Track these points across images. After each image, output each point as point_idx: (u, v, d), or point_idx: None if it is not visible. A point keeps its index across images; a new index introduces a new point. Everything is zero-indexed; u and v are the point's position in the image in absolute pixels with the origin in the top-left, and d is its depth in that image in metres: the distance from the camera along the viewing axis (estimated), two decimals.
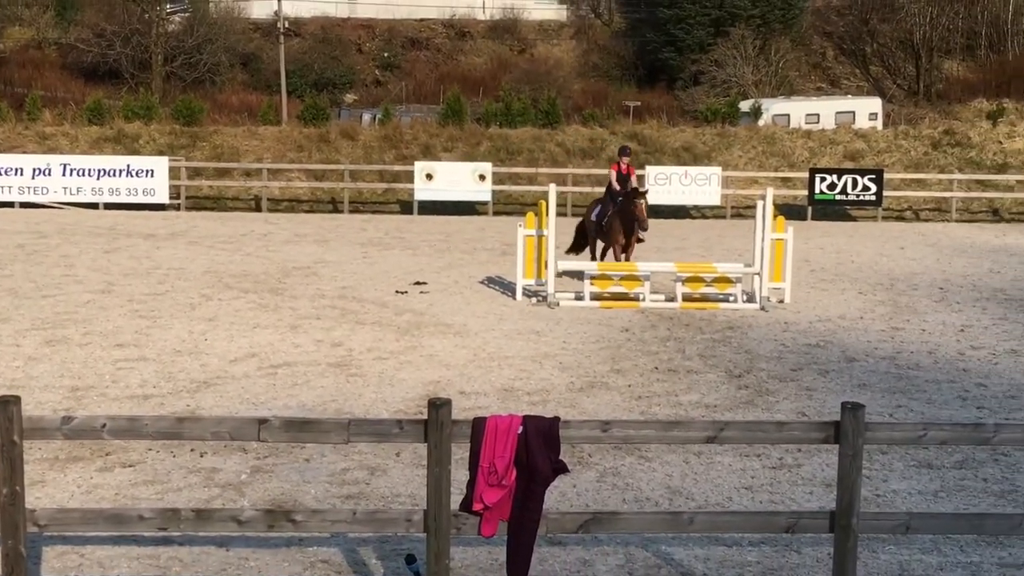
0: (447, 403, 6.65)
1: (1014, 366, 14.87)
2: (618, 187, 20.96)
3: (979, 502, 9.59)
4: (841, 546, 6.75)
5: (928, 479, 10.17)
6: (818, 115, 47.36)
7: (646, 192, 21.11)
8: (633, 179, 21.13)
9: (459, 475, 7.19)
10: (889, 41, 60.56)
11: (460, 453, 7.11)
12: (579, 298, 19.29)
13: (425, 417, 6.74)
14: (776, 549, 8.48)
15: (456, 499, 6.95)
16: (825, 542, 8.09)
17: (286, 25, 58.64)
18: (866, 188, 36.01)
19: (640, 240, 21.09)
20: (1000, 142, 42.27)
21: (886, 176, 36.71)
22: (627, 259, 20.69)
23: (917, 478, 10.19)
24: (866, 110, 49.38)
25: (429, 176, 35.83)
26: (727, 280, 19.46)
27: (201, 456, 10.49)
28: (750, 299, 19.34)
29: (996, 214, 38.61)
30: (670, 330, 17.12)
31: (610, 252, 21.33)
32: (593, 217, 21.46)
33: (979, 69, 57.44)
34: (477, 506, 6.73)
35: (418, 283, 21.06)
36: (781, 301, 19.51)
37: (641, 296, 19.24)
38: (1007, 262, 25.82)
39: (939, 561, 8.30)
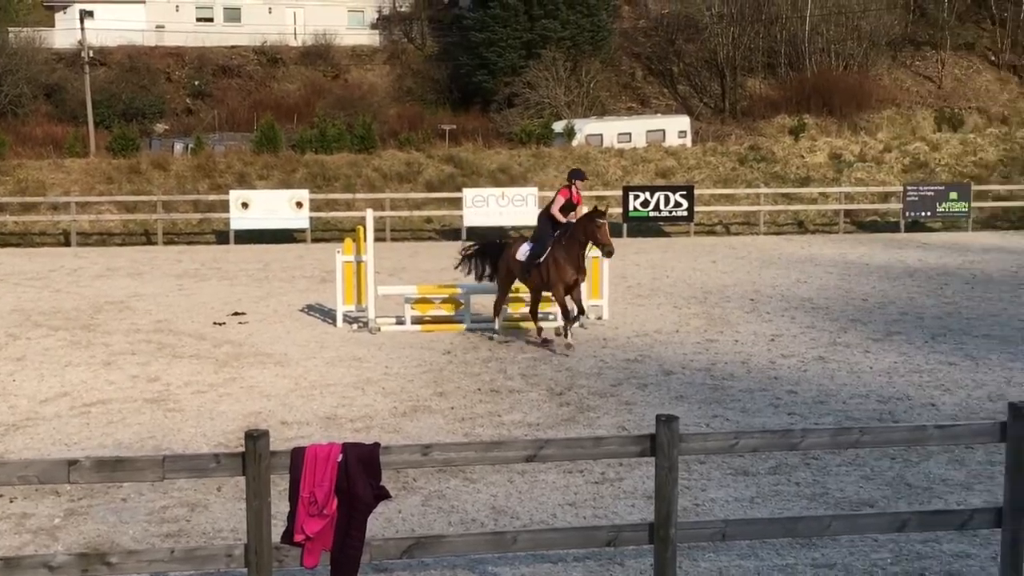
0: (264, 434, 6.56)
1: (822, 372, 15.40)
2: (561, 217, 17.33)
3: (793, 506, 9.89)
4: (660, 556, 6.89)
5: (744, 486, 10.45)
6: (630, 134, 48.40)
7: (606, 211, 17.37)
8: (582, 209, 17.64)
9: (282, 507, 7.10)
10: (695, 61, 62.27)
11: (283, 484, 7.02)
12: (400, 322, 19.26)
13: (243, 450, 6.64)
14: (600, 563, 8.59)
15: (279, 531, 6.86)
16: (647, 553, 8.23)
17: (91, 54, 57.13)
18: (678, 204, 36.92)
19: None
20: (802, 156, 43.85)
21: (696, 192, 37.70)
22: (576, 303, 17.20)
23: (734, 486, 10.46)
24: (675, 128, 50.65)
25: (245, 205, 35.34)
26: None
27: (11, 501, 10.11)
28: None
29: (801, 226, 39.99)
30: (492, 351, 17.22)
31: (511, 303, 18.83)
32: (520, 256, 17.45)
33: (780, 86, 59.49)
34: (299, 537, 6.65)
35: (236, 313, 20.73)
36: (600, 318, 19.83)
37: (462, 318, 19.31)
38: (813, 272, 26.75)
39: (756, 565, 8.54)
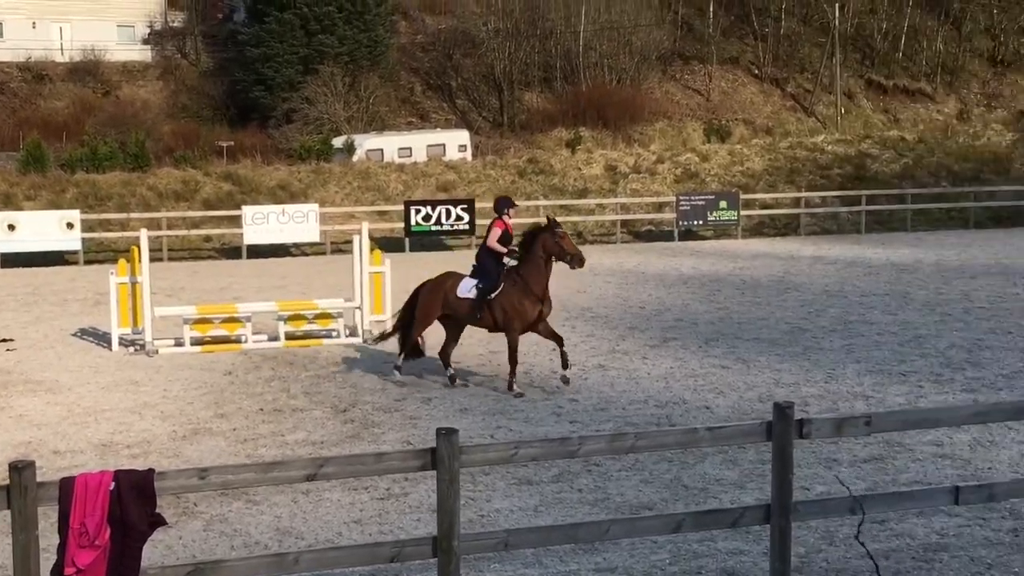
0: (30, 465, 6.31)
1: (602, 380, 15.73)
2: (502, 249, 15.41)
3: (575, 512, 10.06)
4: (444, 569, 6.91)
5: (528, 495, 10.58)
6: (410, 149, 48.44)
7: (554, 217, 15.67)
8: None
9: (53, 540, 6.83)
10: (473, 75, 62.78)
11: (54, 516, 6.76)
12: (179, 344, 18.80)
13: (7, 482, 6.37)
14: None
15: (49, 565, 6.59)
16: (433, 567, 8.24)
17: None
18: (459, 218, 37.18)
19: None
20: (579, 168, 44.74)
21: (477, 205, 38.02)
22: (550, 335, 15.34)
23: (518, 495, 10.58)
24: (456, 142, 50.96)
25: (11, 227, 33.95)
26: (329, 316, 19.54)
27: None
28: (352, 333, 19.49)
29: (580, 236, 40.75)
30: (274, 370, 16.98)
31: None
32: (464, 294, 15.36)
33: (557, 100, 60.54)
34: (69, 570, 6.40)
35: (3, 340, 19.88)
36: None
37: (243, 338, 18.99)
38: (592, 282, 27.31)
39: (540, 573, 8.65)
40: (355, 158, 45.15)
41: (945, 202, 44.10)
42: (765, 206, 42.79)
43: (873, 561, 8.31)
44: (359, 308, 19.50)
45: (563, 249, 14.90)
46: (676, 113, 61.98)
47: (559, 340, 15.16)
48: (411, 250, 36.51)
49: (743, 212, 40.18)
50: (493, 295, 15.08)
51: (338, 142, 46.47)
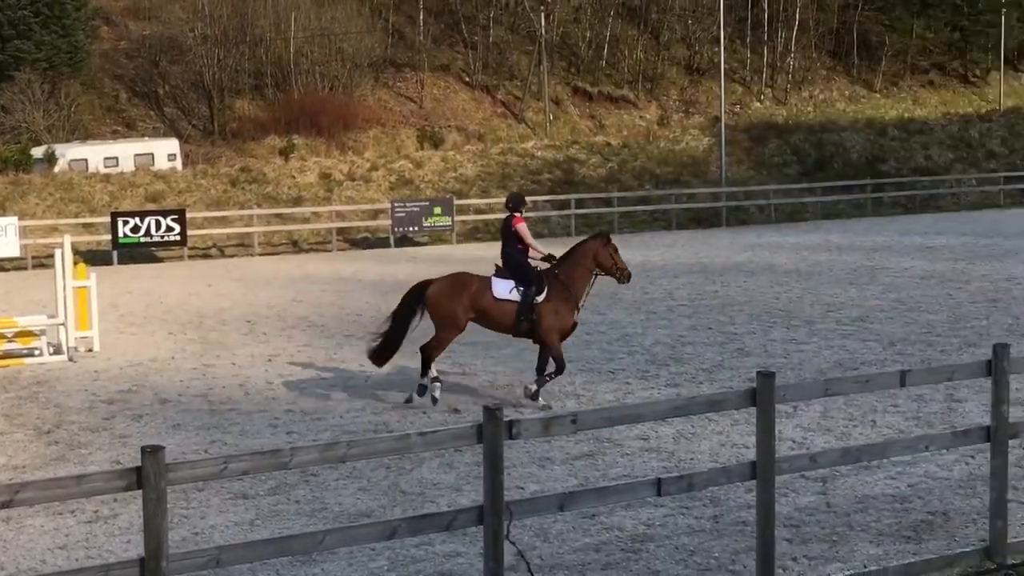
0: None
1: (319, 389, 15.63)
2: (542, 250, 14.94)
3: (292, 524, 9.95)
4: None
5: (244, 510, 10.41)
6: (117, 158, 46.78)
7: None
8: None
9: None
10: (181, 83, 61.20)
11: None
12: None
13: None
14: None
15: None
16: None
17: None
18: (170, 228, 36.21)
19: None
20: (293, 176, 44.32)
21: (189, 215, 37.13)
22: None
23: (234, 511, 10.39)
24: (165, 151, 49.52)
25: None
26: (31, 334, 18.66)
27: None
28: (57, 351, 18.69)
29: (296, 245, 40.40)
30: None
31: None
32: (504, 295, 14.28)
33: (269, 108, 59.70)
34: None
35: None
36: (90, 350, 19.05)
37: None
38: (309, 290, 27.11)
39: None
40: (57, 169, 43.29)
41: (649, 204, 45.95)
42: (479, 211, 43.47)
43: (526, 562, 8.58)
44: (63, 325, 18.71)
45: (615, 264, 14.50)
46: (390, 120, 62.17)
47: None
48: (120, 263, 35.30)
49: (458, 217, 40.71)
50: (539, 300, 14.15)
51: (38, 152, 44.42)
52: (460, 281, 14.88)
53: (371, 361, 15.00)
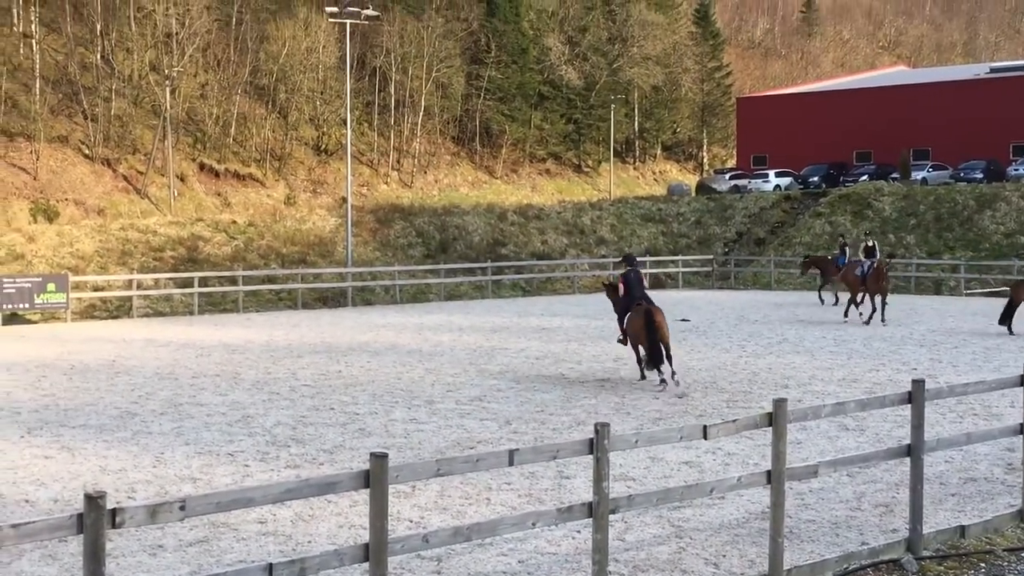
0: None
1: None
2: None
3: None
4: None
5: None
6: None
7: None
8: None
9: None
10: None
11: None
12: None
13: None
14: None
15: None
16: None
17: None
18: None
19: None
20: None
21: None
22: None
23: None
24: None
25: None
26: None
27: None
28: None
29: None
30: None
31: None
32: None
33: None
34: None
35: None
36: None
37: None
38: None
39: None
40: None
41: (275, 283, 45.68)
42: (96, 288, 41.83)
43: None
44: None
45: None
46: (1, 191, 59.02)
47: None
48: None
49: (73, 294, 38.98)
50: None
51: None
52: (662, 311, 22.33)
53: (656, 367, 21.71)
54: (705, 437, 10.28)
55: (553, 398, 20.91)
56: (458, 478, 13.37)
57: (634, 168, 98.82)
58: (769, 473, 10.40)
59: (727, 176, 74.82)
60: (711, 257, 58.06)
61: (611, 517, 9.53)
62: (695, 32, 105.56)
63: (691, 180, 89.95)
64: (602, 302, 45.76)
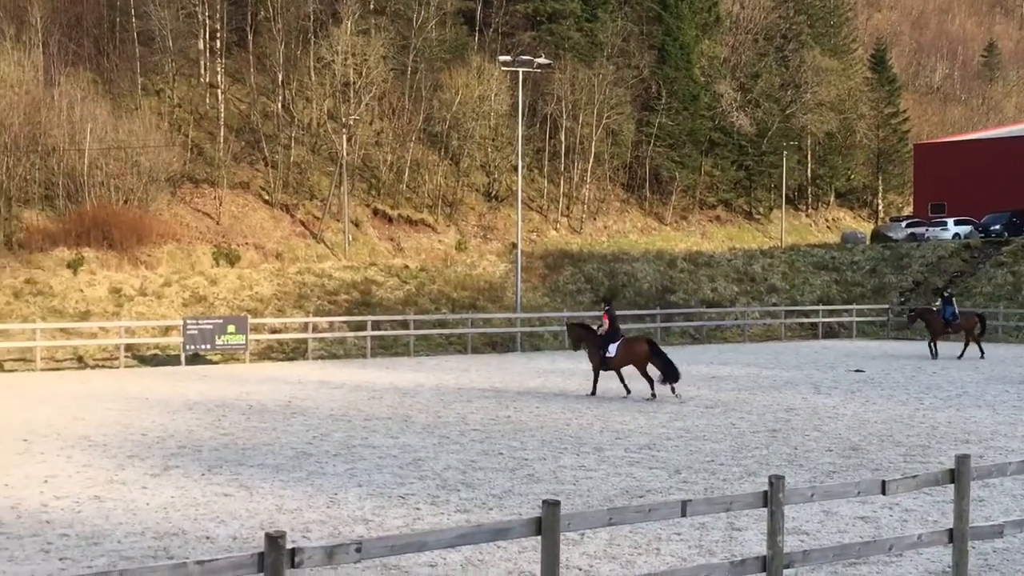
0: None
1: (97, 512, 15.05)
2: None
3: None
4: None
5: None
6: None
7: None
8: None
9: None
10: None
11: None
12: None
13: None
14: None
15: None
16: None
17: None
18: None
19: None
20: (81, 290, 43.08)
21: None
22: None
23: None
24: None
25: None
26: None
27: None
28: None
29: (81, 361, 39.11)
30: None
31: None
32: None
33: (59, 219, 58.15)
34: None
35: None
36: None
37: None
38: (92, 408, 26.21)
39: None
40: None
41: (445, 328, 46.23)
42: (274, 330, 43.00)
43: None
44: None
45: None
46: (185, 236, 61.23)
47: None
48: None
49: (251, 336, 40.14)
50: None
51: None
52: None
53: (675, 381, 27.68)
54: (884, 492, 10.03)
55: (723, 448, 20.63)
56: (627, 527, 13.28)
57: (806, 215, 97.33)
58: (951, 531, 10.08)
59: (903, 224, 73.10)
60: (887, 306, 56.66)
61: (785, 572, 9.34)
62: (871, 77, 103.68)
63: (865, 228, 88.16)
64: (774, 351, 45.11)
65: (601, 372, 29.05)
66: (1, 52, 60.74)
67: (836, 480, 16.97)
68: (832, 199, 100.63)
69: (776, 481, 9.01)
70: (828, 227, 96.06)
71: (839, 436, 21.98)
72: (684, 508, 8.92)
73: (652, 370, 28.25)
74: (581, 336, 29.82)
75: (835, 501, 14.71)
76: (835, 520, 14.55)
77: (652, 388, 28.26)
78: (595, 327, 30.01)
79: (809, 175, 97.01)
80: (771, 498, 8.98)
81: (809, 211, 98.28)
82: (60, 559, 12.70)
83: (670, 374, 27.46)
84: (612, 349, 28.34)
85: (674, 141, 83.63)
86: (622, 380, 28.75)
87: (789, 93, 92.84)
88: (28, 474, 17.81)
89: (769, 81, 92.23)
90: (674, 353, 44.32)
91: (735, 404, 27.28)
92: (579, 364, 38.86)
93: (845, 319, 55.80)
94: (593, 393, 29.01)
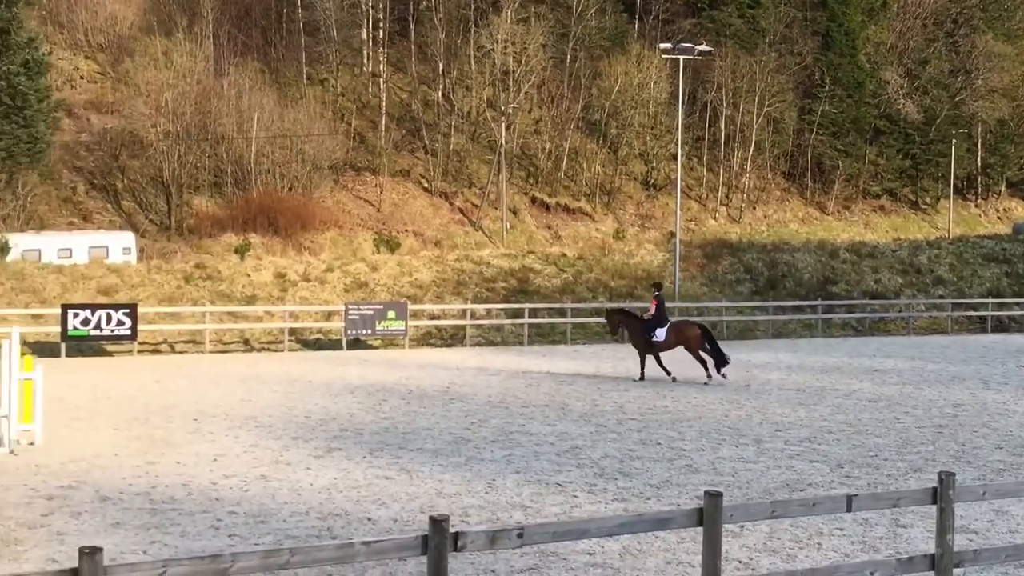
0: None
1: (264, 491, 15.45)
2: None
3: None
4: None
5: None
6: (71, 250, 46.69)
7: None
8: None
9: None
10: (140, 177, 61.36)
11: None
12: None
13: None
14: None
15: None
16: None
17: None
18: (121, 323, 35.91)
19: None
20: (248, 275, 44.25)
21: (140, 310, 36.90)
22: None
23: None
24: (120, 244, 49.51)
25: None
26: None
27: None
28: None
29: (247, 344, 40.19)
30: None
31: None
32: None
33: (227, 205, 59.88)
34: None
35: None
36: (32, 443, 18.76)
37: None
38: (258, 390, 26.91)
39: None
40: (9, 258, 43.04)
41: (602, 316, 46.11)
42: (432, 316, 43.51)
43: None
44: (6, 417, 18.43)
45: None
46: (347, 222, 62.44)
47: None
48: (68, 355, 34.94)
49: (411, 322, 40.68)
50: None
51: None
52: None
53: (724, 364, 28.69)
54: None
55: (887, 443, 20.16)
56: (788, 520, 13.08)
57: (975, 206, 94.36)
58: None
59: None
60: None
61: (954, 571, 9.08)
62: None
63: None
64: (940, 345, 43.89)
65: (648, 356, 29.69)
66: (174, 43, 62.70)
67: (1008, 479, 16.44)
68: (1003, 189, 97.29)
69: (946, 478, 8.77)
70: (999, 218, 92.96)
71: (1010, 433, 21.28)
72: (849, 503, 8.74)
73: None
74: (620, 322, 30.54)
75: (1007, 500, 14.25)
76: (1006, 520, 14.09)
77: (707, 370, 28.86)
78: (641, 315, 31.11)
79: (979, 164, 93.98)
80: (941, 495, 8.74)
81: (979, 201, 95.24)
82: (229, 535, 13.07)
83: (720, 358, 28.52)
84: (660, 333, 29.15)
85: (837, 129, 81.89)
86: (662, 365, 29.39)
87: (959, 79, 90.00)
88: (198, 452, 18.37)
89: (938, 67, 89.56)
90: (836, 345, 43.51)
91: (899, 398, 26.63)
92: (736, 354, 38.43)
93: (1016, 313, 53.96)
94: (641, 378, 29.61)
